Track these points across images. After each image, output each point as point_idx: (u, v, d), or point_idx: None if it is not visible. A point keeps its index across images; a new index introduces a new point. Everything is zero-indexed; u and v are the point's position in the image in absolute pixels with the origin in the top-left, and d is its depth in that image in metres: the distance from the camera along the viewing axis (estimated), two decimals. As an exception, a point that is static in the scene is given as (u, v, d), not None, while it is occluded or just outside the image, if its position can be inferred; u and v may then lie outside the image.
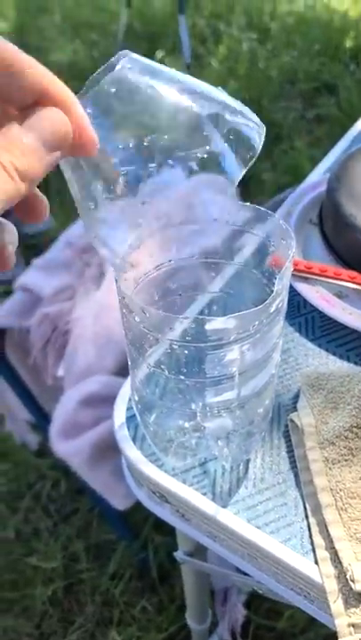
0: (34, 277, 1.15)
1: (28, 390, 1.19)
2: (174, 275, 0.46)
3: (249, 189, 2.14)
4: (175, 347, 0.35)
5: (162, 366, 0.37)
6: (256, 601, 1.14)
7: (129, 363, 0.41)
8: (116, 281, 0.35)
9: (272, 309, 0.35)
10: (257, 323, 0.35)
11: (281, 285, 0.35)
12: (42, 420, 1.22)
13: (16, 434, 1.43)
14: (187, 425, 0.45)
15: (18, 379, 1.18)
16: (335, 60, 2.66)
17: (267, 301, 0.34)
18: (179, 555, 0.65)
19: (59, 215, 2.04)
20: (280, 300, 0.36)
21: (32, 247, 1.97)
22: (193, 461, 0.49)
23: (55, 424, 0.90)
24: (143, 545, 1.28)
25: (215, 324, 0.33)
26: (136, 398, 0.44)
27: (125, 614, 1.22)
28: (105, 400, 0.88)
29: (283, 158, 2.23)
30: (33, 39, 2.92)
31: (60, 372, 1.05)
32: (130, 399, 0.53)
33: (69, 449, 0.86)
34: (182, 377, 0.37)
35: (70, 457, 0.87)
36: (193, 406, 0.43)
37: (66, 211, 2.07)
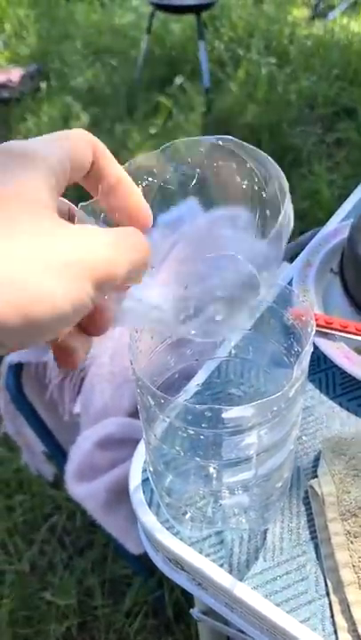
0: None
1: (45, 425, 1.19)
2: (190, 340, 0.45)
3: (268, 214, 2.13)
4: (191, 432, 0.34)
5: (177, 448, 0.36)
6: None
7: (143, 436, 0.40)
8: (132, 362, 0.34)
9: (291, 394, 0.34)
10: (275, 408, 0.33)
11: (300, 370, 0.34)
12: (58, 454, 1.21)
13: (32, 465, 1.42)
14: (201, 491, 0.43)
15: (35, 413, 1.18)
16: (354, 84, 2.66)
17: (285, 388, 0.33)
18: (195, 612, 0.63)
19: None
20: (299, 384, 0.34)
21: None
22: (210, 530, 0.47)
23: (71, 466, 0.89)
24: (159, 582, 1.26)
25: (232, 412, 0.32)
26: (151, 469, 0.42)
27: (140, 654, 1.20)
28: (121, 442, 0.87)
29: (302, 183, 2.22)
30: (55, 65, 2.96)
31: (77, 409, 1.04)
32: (145, 461, 0.52)
33: (85, 492, 0.85)
34: (198, 459, 0.36)
35: (85, 500, 0.85)
36: (211, 470, 0.41)
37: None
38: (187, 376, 0.47)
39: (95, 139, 0.29)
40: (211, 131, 2.52)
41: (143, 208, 0.31)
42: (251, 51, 2.90)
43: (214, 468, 0.38)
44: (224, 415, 0.32)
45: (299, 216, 2.10)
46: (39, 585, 1.32)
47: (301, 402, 0.37)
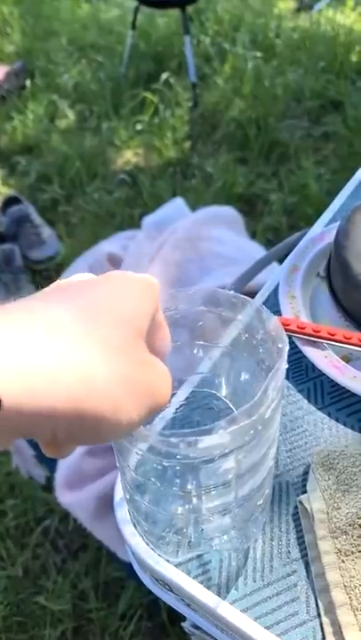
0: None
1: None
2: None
3: (256, 210, 2.12)
4: (166, 464, 0.32)
5: (152, 479, 0.35)
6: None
7: (117, 464, 0.39)
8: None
9: (267, 415, 0.33)
10: (252, 431, 0.32)
11: (275, 391, 0.33)
12: (48, 458, 1.20)
13: (22, 469, 1.41)
14: (180, 516, 0.42)
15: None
16: (341, 77, 2.64)
17: (261, 410, 0.32)
18: (187, 626, 0.62)
19: (65, 241, 2.03)
20: (275, 404, 0.34)
21: (40, 272, 1.97)
22: (192, 553, 0.46)
23: (59, 474, 0.88)
24: (153, 584, 1.25)
25: (208, 441, 0.31)
26: (127, 497, 0.41)
27: (136, 658, 1.19)
28: (109, 449, 0.86)
29: (289, 178, 2.21)
30: (40, 62, 2.93)
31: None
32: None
33: (74, 501, 0.84)
34: (175, 488, 0.35)
35: (75, 509, 0.84)
36: (188, 487, 0.40)
37: (73, 236, 2.06)
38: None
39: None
40: (198, 126, 2.50)
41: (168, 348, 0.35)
42: (237, 45, 2.87)
43: (193, 495, 0.37)
44: (200, 445, 0.30)
45: (287, 211, 2.09)
46: (33, 589, 1.31)
47: (278, 419, 0.36)
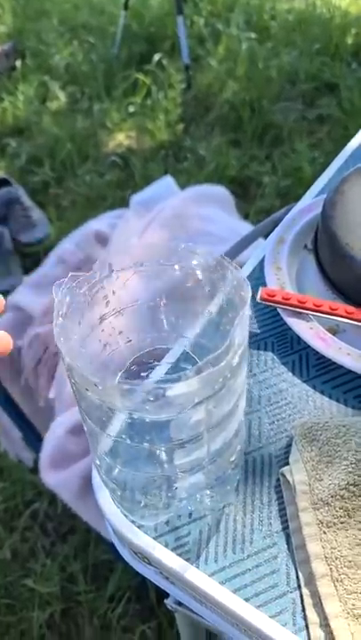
0: (25, 295, 1.12)
1: (21, 411, 1.16)
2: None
3: (249, 192, 2.10)
4: (135, 416, 0.31)
5: (123, 435, 0.34)
6: None
7: (85, 429, 0.38)
8: (63, 359, 0.32)
9: (235, 362, 0.32)
10: (221, 379, 0.31)
11: (242, 336, 0.32)
12: (34, 440, 1.19)
13: (11, 452, 1.40)
14: (153, 477, 0.41)
15: (10, 399, 1.15)
16: (336, 59, 2.61)
17: (228, 357, 0.31)
18: (170, 603, 0.61)
19: (55, 223, 2.01)
20: (242, 350, 0.32)
21: (29, 256, 1.94)
22: (176, 522, 0.45)
23: (44, 454, 0.87)
24: (142, 566, 1.25)
25: (176, 389, 0.29)
26: (97, 462, 0.40)
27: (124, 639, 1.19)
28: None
29: (283, 160, 2.19)
30: (31, 43, 2.88)
31: (52, 394, 1.02)
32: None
33: (59, 481, 0.83)
34: (147, 444, 0.34)
35: (60, 490, 0.83)
36: (161, 453, 0.39)
37: (63, 219, 2.04)
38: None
39: None
40: (190, 108, 2.47)
41: None
42: (231, 26, 2.83)
43: (164, 451, 0.36)
44: (168, 393, 0.29)
45: (281, 194, 2.07)
46: (21, 572, 1.30)
47: (246, 369, 0.36)
